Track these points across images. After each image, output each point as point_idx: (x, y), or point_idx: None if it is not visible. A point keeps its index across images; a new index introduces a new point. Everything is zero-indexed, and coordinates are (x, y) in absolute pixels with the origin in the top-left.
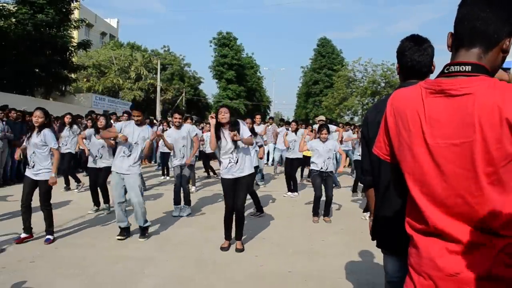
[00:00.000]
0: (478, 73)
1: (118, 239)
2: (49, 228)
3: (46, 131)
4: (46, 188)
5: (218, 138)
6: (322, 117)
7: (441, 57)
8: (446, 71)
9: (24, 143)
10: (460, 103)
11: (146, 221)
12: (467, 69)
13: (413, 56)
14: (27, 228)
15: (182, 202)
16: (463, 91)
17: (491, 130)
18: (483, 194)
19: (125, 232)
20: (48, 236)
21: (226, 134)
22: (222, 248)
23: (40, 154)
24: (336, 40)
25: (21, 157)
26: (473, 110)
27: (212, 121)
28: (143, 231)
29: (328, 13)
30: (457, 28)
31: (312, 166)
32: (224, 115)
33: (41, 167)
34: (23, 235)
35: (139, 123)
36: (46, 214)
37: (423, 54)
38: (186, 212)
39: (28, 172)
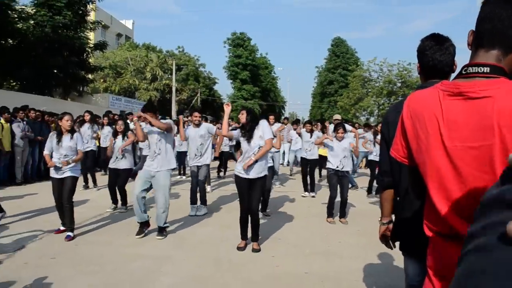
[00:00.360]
0: (496, 74)
1: (138, 238)
2: (70, 225)
3: (78, 135)
4: (71, 184)
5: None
6: (338, 116)
7: (461, 56)
8: (464, 72)
9: (50, 147)
10: (479, 106)
11: (165, 222)
12: (485, 70)
13: (435, 56)
14: (65, 223)
15: (198, 202)
16: (482, 93)
17: (510, 134)
18: None
19: (144, 227)
20: (68, 233)
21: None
22: (239, 248)
23: (72, 155)
24: (351, 40)
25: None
26: (492, 113)
27: (227, 109)
28: (161, 231)
29: (343, 13)
30: (478, 27)
31: (328, 165)
32: (241, 116)
33: (69, 166)
34: (62, 228)
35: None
36: (68, 210)
37: (444, 53)
38: (202, 212)
39: (53, 173)
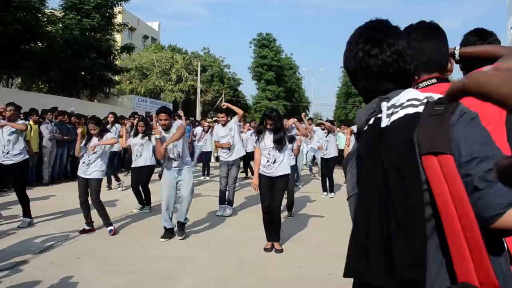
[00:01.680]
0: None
1: (162, 241)
2: (107, 221)
3: (108, 134)
4: (95, 186)
5: (258, 138)
6: None
7: None
8: (416, 88)
9: (81, 144)
10: None
11: (186, 218)
12: (433, 82)
13: None
14: (89, 223)
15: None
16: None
17: None
18: None
19: (169, 233)
20: (109, 228)
21: (267, 135)
22: (266, 249)
23: (100, 153)
24: None
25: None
26: None
27: None
28: (181, 228)
29: (370, 13)
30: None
31: None
32: (271, 126)
33: (94, 165)
34: (86, 228)
35: (166, 129)
36: (99, 209)
37: None
38: (228, 212)
39: (81, 172)
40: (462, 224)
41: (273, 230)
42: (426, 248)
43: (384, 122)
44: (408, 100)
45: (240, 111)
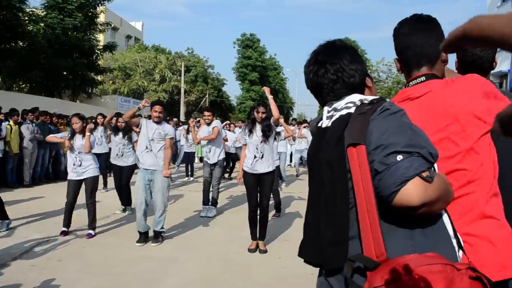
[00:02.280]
0: (431, 79)
1: (138, 246)
2: (93, 224)
3: (92, 138)
4: (92, 184)
5: (250, 131)
6: None
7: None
8: (407, 86)
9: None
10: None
11: (162, 226)
12: (422, 79)
13: (475, 50)
14: (67, 224)
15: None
16: (423, 92)
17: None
18: None
19: (144, 237)
20: (90, 231)
21: (258, 128)
22: (250, 250)
23: (86, 154)
24: (361, 41)
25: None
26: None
27: (267, 92)
28: (157, 235)
29: (353, 13)
30: (402, 55)
31: None
32: (263, 115)
33: (88, 163)
34: (66, 230)
35: (158, 121)
36: (92, 209)
37: (485, 49)
38: (211, 213)
39: (72, 175)
40: (366, 205)
41: (260, 228)
42: (347, 228)
43: (325, 123)
44: (346, 103)
45: (212, 137)
